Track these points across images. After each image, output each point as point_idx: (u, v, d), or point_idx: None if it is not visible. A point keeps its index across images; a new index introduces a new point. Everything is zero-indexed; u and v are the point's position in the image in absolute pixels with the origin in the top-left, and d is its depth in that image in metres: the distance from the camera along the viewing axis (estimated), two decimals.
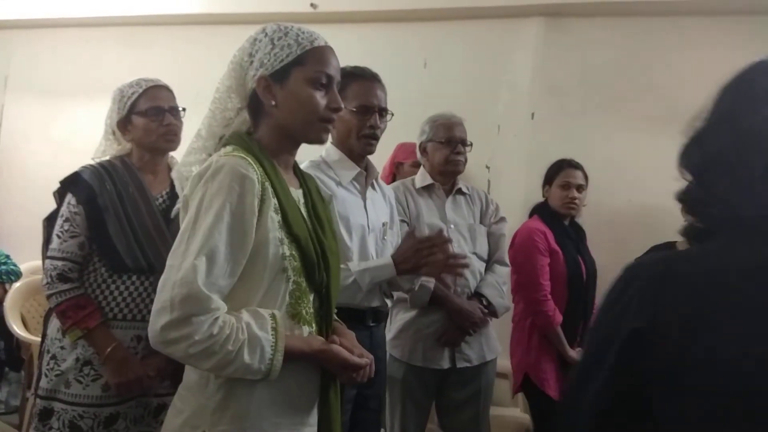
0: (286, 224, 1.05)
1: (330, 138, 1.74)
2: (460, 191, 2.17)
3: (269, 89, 1.08)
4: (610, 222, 2.53)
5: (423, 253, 1.61)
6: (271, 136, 1.11)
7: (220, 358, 0.95)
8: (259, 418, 1.03)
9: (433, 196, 2.15)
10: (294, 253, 1.06)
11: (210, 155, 1.11)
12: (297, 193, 1.14)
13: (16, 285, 3.05)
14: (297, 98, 1.08)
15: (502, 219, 2.22)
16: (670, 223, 2.67)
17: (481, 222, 2.18)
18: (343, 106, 1.15)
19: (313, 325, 1.11)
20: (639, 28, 2.89)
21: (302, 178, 1.20)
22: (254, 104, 1.11)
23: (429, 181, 2.15)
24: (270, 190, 1.04)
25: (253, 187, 1.00)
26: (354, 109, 1.65)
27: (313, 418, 1.11)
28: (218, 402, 1.02)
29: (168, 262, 0.97)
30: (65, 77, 3.59)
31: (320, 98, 1.09)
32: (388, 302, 1.78)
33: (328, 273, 1.12)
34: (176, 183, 1.17)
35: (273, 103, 1.08)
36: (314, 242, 1.10)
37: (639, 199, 2.81)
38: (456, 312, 2.00)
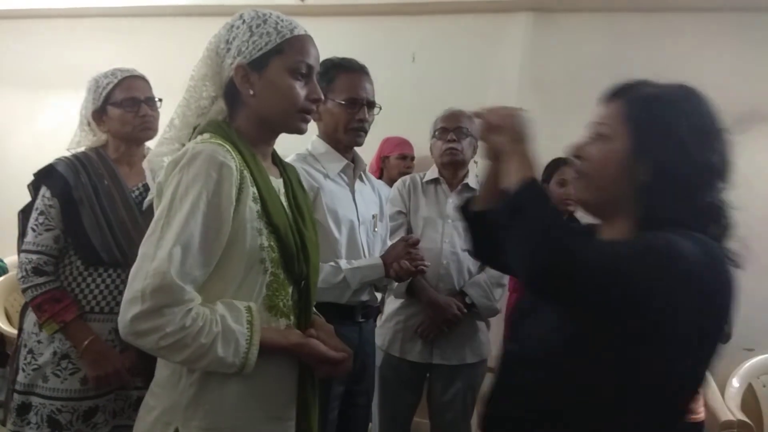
0: (266, 214, 1.02)
1: (316, 130, 1.73)
2: (467, 187, 2.15)
3: (247, 78, 1.05)
4: None
5: (417, 257, 1.62)
6: (248, 126, 1.08)
7: (192, 350, 0.92)
8: (234, 413, 1.01)
9: (438, 191, 2.15)
10: (272, 243, 1.03)
11: (183, 145, 1.07)
12: (277, 183, 1.12)
13: None
14: (276, 88, 1.05)
15: None
16: None
17: None
18: (323, 97, 1.12)
19: (291, 317, 1.09)
20: (627, 24, 2.89)
21: (282, 167, 1.18)
22: (231, 93, 1.08)
23: (435, 175, 2.15)
24: (249, 178, 1.01)
25: (231, 175, 0.97)
26: (342, 102, 1.63)
27: (292, 412, 1.09)
28: (191, 397, 0.99)
29: (141, 251, 0.94)
30: (50, 68, 3.55)
31: (300, 89, 1.06)
32: (378, 295, 1.77)
33: (308, 265, 1.10)
34: (147, 173, 1.13)
35: (251, 92, 1.05)
36: (294, 233, 1.07)
37: None
38: (430, 305, 1.99)
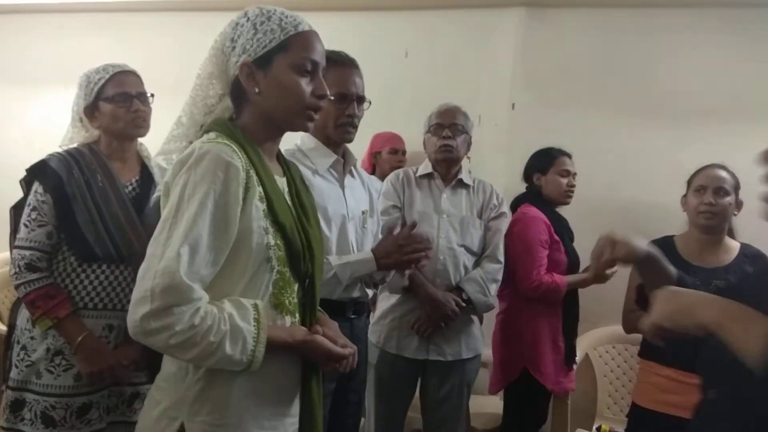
0: (272, 213, 1.04)
1: None
2: (461, 182, 2.15)
3: (252, 76, 1.05)
4: (590, 213, 2.54)
5: (406, 250, 1.61)
6: (254, 124, 1.09)
7: (201, 349, 0.93)
8: (240, 409, 1.02)
9: (432, 186, 2.15)
10: (279, 242, 1.04)
11: (191, 143, 1.08)
12: (281, 182, 1.13)
13: None
14: (281, 85, 1.05)
15: (503, 214, 2.16)
16: (649, 214, 2.69)
17: (481, 215, 2.15)
18: (328, 93, 1.12)
19: (297, 315, 1.10)
20: (620, 19, 2.91)
21: (286, 165, 1.19)
22: (237, 91, 1.09)
23: (429, 170, 2.15)
24: (255, 178, 1.02)
25: (238, 175, 0.98)
26: (331, 97, 1.62)
27: (295, 409, 1.11)
28: (198, 392, 1.01)
29: (148, 251, 0.95)
30: (40, 64, 3.52)
31: (305, 85, 1.07)
32: (369, 292, 1.77)
33: (313, 263, 1.11)
34: (156, 172, 1.15)
35: (256, 90, 1.05)
36: (299, 231, 1.09)
37: (619, 190, 2.82)
38: (428, 301, 2.00)
